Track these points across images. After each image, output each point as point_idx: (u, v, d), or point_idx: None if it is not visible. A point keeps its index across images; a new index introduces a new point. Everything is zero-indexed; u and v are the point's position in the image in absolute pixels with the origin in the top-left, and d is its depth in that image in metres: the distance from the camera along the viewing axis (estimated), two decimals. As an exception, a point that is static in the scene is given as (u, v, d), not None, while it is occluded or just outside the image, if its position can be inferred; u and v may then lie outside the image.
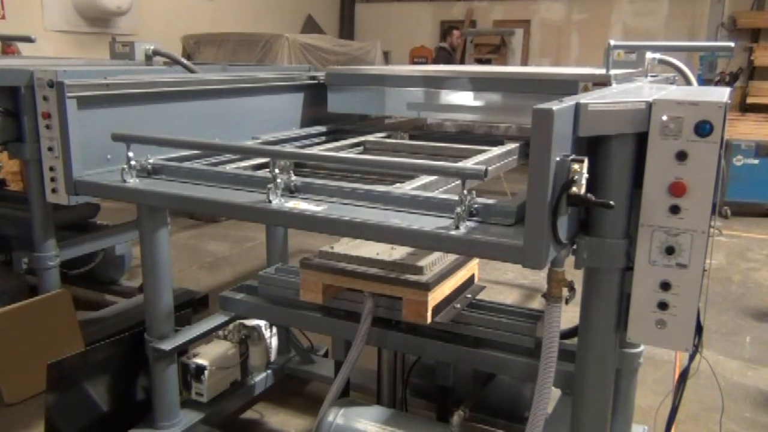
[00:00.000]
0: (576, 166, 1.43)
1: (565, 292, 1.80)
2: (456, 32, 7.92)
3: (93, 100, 2.06)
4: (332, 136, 2.90)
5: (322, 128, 2.89)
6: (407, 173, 2.00)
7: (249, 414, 3.27)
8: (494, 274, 5.28)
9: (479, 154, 2.29)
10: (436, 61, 8.73)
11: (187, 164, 2.12)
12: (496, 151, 2.35)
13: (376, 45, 9.78)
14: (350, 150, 2.64)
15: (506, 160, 2.40)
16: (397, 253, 2.33)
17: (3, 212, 3.95)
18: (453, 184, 1.95)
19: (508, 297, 4.92)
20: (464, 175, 1.63)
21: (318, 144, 2.77)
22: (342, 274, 2.29)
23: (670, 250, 1.58)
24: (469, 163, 2.00)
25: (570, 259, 1.74)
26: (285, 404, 3.35)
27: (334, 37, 10.87)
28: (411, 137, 2.94)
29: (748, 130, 7.82)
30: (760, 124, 8.13)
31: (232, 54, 8.14)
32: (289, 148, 2.43)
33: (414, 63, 11.83)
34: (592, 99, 1.57)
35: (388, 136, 2.87)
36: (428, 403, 2.80)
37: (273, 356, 3.25)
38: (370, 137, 2.77)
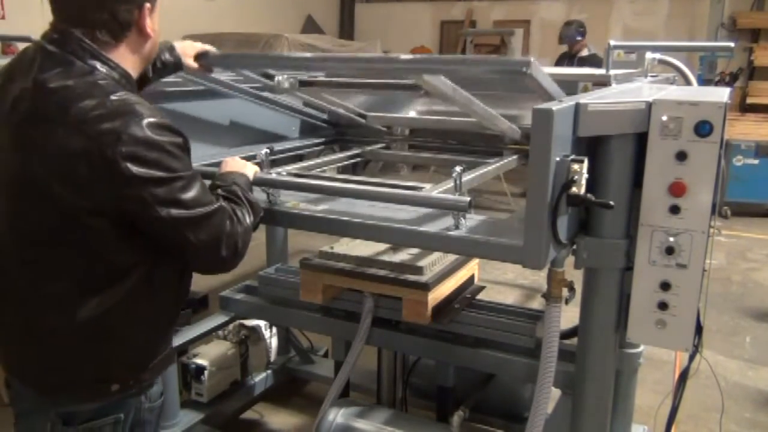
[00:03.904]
0: (576, 166, 1.43)
1: (565, 292, 1.80)
2: (583, 41, 7.43)
3: (93, 100, 2.05)
4: (330, 146, 2.91)
5: (321, 139, 2.92)
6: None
7: (249, 414, 3.27)
8: (494, 274, 5.27)
9: (477, 167, 2.20)
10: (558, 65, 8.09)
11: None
12: (494, 164, 2.32)
13: (376, 45, 9.77)
14: (348, 161, 2.68)
15: (506, 160, 2.40)
16: (397, 253, 2.33)
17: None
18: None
19: (508, 297, 4.91)
20: (447, 207, 1.61)
21: (316, 156, 2.78)
22: (342, 274, 2.29)
23: (669, 250, 1.58)
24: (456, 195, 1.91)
25: (570, 259, 1.74)
26: (285, 404, 3.35)
27: (334, 37, 10.86)
28: (410, 147, 2.94)
29: (748, 130, 7.80)
30: (759, 124, 8.11)
31: (232, 54, 8.13)
32: (286, 170, 2.34)
33: (414, 63, 11.81)
34: (592, 99, 1.57)
35: (387, 147, 2.88)
36: (428, 403, 2.79)
37: (273, 356, 3.26)
38: (369, 148, 2.79)
